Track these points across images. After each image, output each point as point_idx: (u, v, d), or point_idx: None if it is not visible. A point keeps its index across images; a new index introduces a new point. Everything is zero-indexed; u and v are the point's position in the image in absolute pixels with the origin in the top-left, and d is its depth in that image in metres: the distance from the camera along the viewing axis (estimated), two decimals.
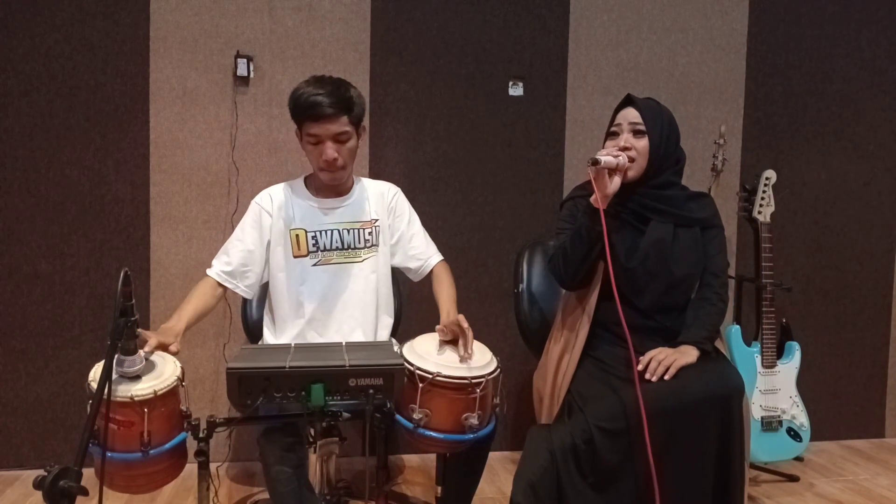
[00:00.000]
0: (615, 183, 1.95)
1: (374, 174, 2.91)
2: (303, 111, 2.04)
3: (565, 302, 2.18)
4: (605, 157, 1.93)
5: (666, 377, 1.85)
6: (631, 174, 2.02)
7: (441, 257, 2.31)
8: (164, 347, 1.80)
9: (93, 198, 2.81)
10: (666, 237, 2.05)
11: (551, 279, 2.19)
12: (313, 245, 2.15)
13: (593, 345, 2.07)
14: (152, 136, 2.83)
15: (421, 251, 2.28)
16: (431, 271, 2.27)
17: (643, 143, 2.04)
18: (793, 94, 3.23)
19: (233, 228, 2.23)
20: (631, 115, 2.07)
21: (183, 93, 2.83)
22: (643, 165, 2.04)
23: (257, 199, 2.21)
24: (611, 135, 2.11)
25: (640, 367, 1.88)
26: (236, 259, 2.13)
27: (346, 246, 2.17)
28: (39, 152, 2.77)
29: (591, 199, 1.97)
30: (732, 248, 3.22)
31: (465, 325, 1.88)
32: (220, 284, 2.12)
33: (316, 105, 2.00)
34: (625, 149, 2.02)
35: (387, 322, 2.26)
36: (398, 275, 2.38)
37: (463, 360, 1.83)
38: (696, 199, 2.15)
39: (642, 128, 2.04)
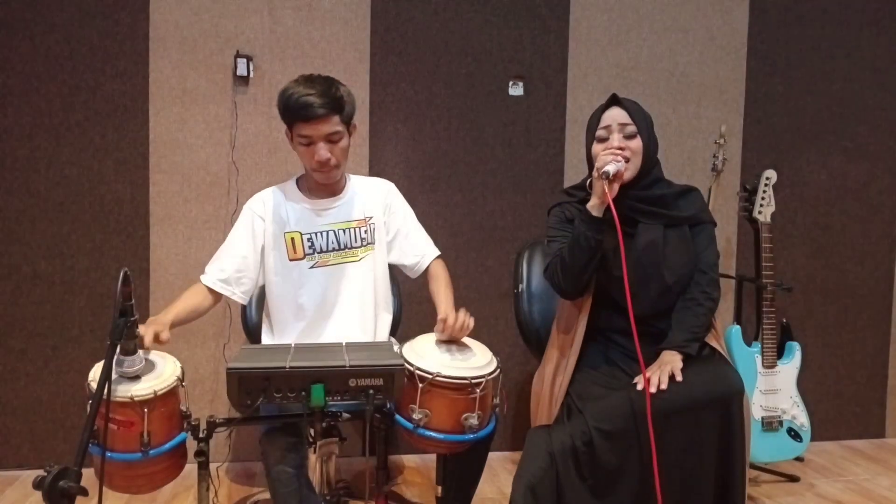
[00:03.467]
0: (614, 189, 1.91)
1: (374, 174, 2.91)
2: (293, 112, 2.01)
3: (561, 308, 2.16)
4: (611, 168, 1.88)
5: (662, 387, 1.82)
6: (627, 175, 1.97)
7: (438, 252, 2.28)
8: (156, 338, 1.78)
9: (93, 198, 2.81)
10: (657, 240, 2.01)
11: None
12: (309, 248, 2.13)
13: (589, 351, 2.06)
14: (152, 136, 2.83)
15: (419, 246, 2.26)
16: (428, 268, 2.25)
17: (636, 143, 1.99)
18: (793, 94, 3.23)
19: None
20: (620, 115, 2.01)
21: (183, 92, 2.83)
22: (638, 165, 2.00)
23: (249, 204, 2.18)
24: (598, 139, 2.03)
25: (639, 388, 1.87)
26: (230, 266, 2.11)
27: (342, 246, 2.15)
28: (39, 152, 2.77)
29: (589, 206, 1.93)
30: (732, 249, 3.22)
31: (465, 319, 1.91)
32: (214, 291, 2.09)
33: (307, 106, 1.97)
34: (619, 150, 1.97)
35: (386, 319, 2.25)
36: (397, 274, 2.37)
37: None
38: (684, 196, 2.10)
39: (633, 128, 1.99)
